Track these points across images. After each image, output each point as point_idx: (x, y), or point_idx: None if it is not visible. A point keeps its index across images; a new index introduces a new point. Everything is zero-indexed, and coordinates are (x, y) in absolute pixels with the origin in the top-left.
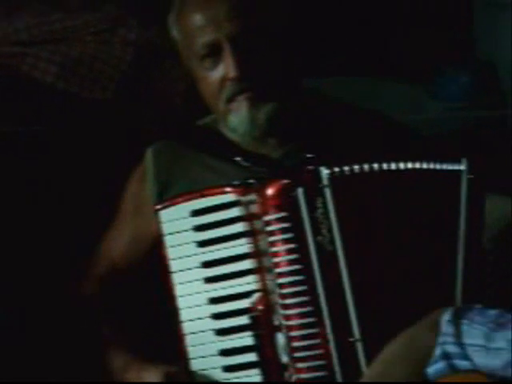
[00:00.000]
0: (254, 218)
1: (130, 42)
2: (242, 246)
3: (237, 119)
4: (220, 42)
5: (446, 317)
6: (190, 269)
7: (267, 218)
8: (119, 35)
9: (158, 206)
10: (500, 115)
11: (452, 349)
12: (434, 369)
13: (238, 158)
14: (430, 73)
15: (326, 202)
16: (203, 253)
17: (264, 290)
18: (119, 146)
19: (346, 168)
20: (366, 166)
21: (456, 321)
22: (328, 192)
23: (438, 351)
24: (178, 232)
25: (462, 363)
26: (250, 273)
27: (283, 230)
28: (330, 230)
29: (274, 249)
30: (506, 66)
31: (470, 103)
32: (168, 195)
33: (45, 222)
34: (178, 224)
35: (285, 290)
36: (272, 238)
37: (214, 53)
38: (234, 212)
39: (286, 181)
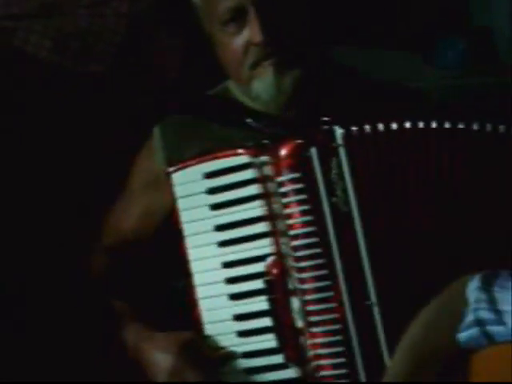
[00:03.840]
0: (268, 180)
1: (123, 14)
2: (256, 209)
3: (261, 85)
4: (245, 5)
5: (475, 283)
6: (203, 232)
7: (280, 179)
8: (112, 7)
9: (170, 169)
10: (498, 82)
11: (486, 315)
12: (466, 335)
13: (249, 120)
14: (428, 40)
15: (340, 162)
16: (216, 216)
17: (278, 254)
18: (120, 122)
19: (362, 127)
20: (381, 126)
21: (487, 287)
22: (342, 152)
23: (470, 317)
24: (190, 195)
25: (497, 328)
26: (264, 236)
27: (297, 191)
28: (344, 191)
29: (288, 210)
30: (502, 34)
31: (467, 71)
32: None
33: (50, 197)
34: (190, 187)
35: (299, 253)
36: (286, 200)
37: (238, 17)
38: (248, 174)
39: (299, 141)
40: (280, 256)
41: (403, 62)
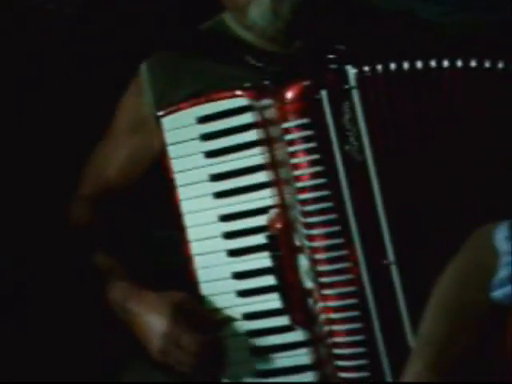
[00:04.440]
0: (270, 125)
1: None
2: (256, 157)
3: (257, 10)
4: None
5: (503, 233)
6: (197, 182)
7: (286, 125)
8: None
9: (160, 113)
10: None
11: None
12: (501, 293)
13: (247, 57)
14: None
15: (353, 106)
16: (212, 164)
17: (282, 206)
18: (109, 60)
19: (376, 66)
20: (398, 64)
21: None
22: (356, 94)
23: (503, 272)
24: (183, 141)
25: None
26: (265, 186)
27: (305, 139)
28: (358, 138)
29: (295, 160)
30: None
31: (465, 6)
32: None
33: (32, 138)
34: (182, 132)
35: (308, 207)
36: (292, 148)
37: None
38: (246, 118)
39: (307, 82)
40: (284, 209)
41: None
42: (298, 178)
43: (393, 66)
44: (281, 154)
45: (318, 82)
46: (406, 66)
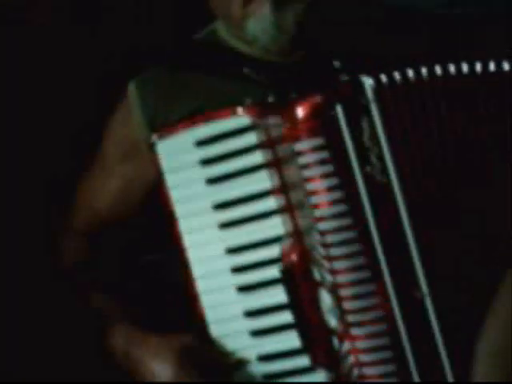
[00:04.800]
0: (277, 144)
1: None
2: (263, 181)
3: (258, 24)
4: None
5: None
6: (200, 213)
7: (298, 145)
8: None
9: (154, 137)
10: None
11: None
12: None
13: (246, 70)
14: None
15: (372, 121)
16: (215, 192)
17: (296, 234)
18: (92, 78)
19: (391, 75)
20: (416, 71)
21: None
22: (374, 108)
23: None
24: (181, 168)
25: None
26: (275, 213)
27: (321, 162)
28: (380, 157)
29: (311, 186)
30: None
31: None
32: None
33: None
34: (180, 158)
35: (328, 238)
36: (307, 172)
37: None
38: (250, 138)
39: (319, 96)
40: (298, 237)
41: None
42: (315, 206)
43: (411, 73)
44: (291, 176)
45: (331, 96)
46: (424, 72)
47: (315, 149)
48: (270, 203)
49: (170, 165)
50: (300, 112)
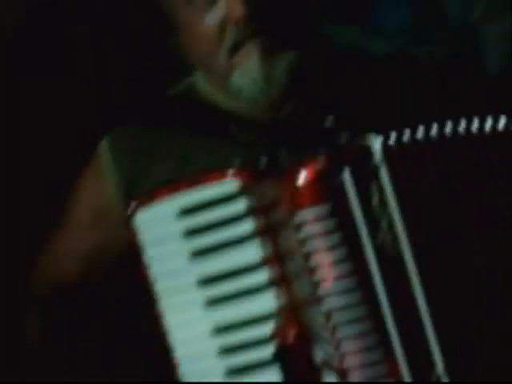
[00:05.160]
0: (270, 210)
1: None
2: (255, 252)
3: (245, 76)
4: None
5: None
6: (183, 289)
7: (300, 216)
8: None
9: (131, 207)
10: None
11: None
12: None
13: (233, 128)
14: (366, 11)
15: (382, 186)
16: (200, 266)
17: (293, 310)
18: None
19: (400, 134)
20: (426, 130)
21: None
22: (384, 172)
23: None
24: (162, 240)
25: None
26: (269, 286)
27: (327, 232)
28: (391, 227)
29: (314, 261)
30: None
31: (416, 39)
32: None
33: None
34: (161, 228)
35: (335, 317)
36: (310, 245)
37: None
38: (240, 205)
39: (323, 159)
40: (295, 313)
41: (342, 39)
42: (319, 281)
43: (420, 132)
44: (287, 243)
45: (337, 159)
46: (434, 131)
47: (320, 218)
48: (262, 276)
49: (149, 237)
50: (301, 177)
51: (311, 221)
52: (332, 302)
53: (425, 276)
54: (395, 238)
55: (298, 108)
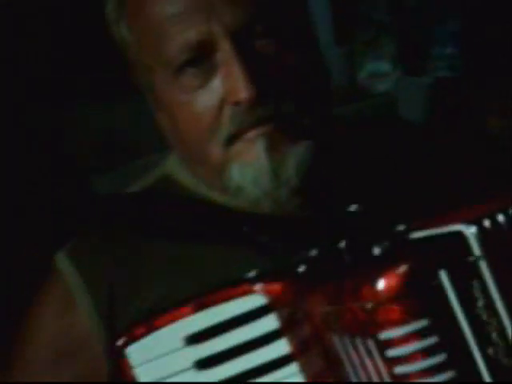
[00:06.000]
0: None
1: None
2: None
3: (245, 172)
4: (215, 38)
5: None
6: None
7: (384, 334)
8: None
9: (120, 342)
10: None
11: None
12: None
13: (246, 228)
14: None
15: (485, 284)
16: None
17: None
18: None
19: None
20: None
21: None
22: (485, 268)
23: None
24: (165, 376)
25: None
26: None
27: (425, 353)
28: (502, 333)
29: None
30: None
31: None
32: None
33: None
34: (163, 362)
35: None
36: (402, 369)
37: (202, 58)
38: (268, 324)
39: (405, 263)
40: None
41: None
42: None
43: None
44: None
45: (430, 259)
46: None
47: (415, 336)
48: None
49: (148, 374)
50: (380, 286)
51: (402, 341)
52: None
53: None
54: (509, 347)
55: (316, 201)
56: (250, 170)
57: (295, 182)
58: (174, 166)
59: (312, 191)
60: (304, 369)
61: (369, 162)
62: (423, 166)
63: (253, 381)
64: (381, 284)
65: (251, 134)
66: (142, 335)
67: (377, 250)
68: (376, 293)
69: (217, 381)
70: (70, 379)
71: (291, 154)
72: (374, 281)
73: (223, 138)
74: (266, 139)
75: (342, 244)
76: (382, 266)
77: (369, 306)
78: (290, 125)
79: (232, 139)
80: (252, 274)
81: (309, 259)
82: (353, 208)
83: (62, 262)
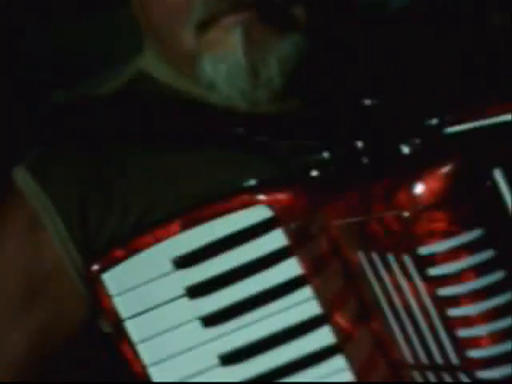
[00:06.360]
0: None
1: None
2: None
3: (219, 67)
4: None
5: None
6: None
7: (425, 248)
8: None
9: (95, 266)
10: None
11: None
12: None
13: (237, 129)
14: None
15: None
16: (217, 338)
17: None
18: None
19: None
20: None
21: None
22: None
23: None
24: (152, 307)
25: None
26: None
27: (476, 271)
28: None
29: (457, 311)
30: None
31: None
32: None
33: None
34: (147, 288)
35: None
36: (448, 291)
37: None
38: (275, 241)
39: (450, 161)
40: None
41: None
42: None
43: None
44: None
45: (478, 156)
46: None
47: (465, 250)
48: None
49: (129, 305)
50: (422, 189)
51: (449, 256)
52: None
53: None
54: None
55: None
56: (223, 64)
57: (278, 83)
58: (149, 62)
59: (310, 88)
60: (319, 293)
61: (382, 56)
62: (434, 59)
63: (257, 307)
64: (420, 187)
65: (227, 20)
66: (121, 259)
67: (406, 149)
68: (414, 198)
69: (214, 310)
70: (39, 319)
71: (274, 49)
72: (410, 184)
73: (194, 24)
74: (244, 28)
75: (360, 144)
76: (417, 167)
77: (405, 214)
78: (276, 13)
79: (205, 26)
80: (252, 181)
81: (321, 162)
82: (367, 102)
83: (24, 179)
